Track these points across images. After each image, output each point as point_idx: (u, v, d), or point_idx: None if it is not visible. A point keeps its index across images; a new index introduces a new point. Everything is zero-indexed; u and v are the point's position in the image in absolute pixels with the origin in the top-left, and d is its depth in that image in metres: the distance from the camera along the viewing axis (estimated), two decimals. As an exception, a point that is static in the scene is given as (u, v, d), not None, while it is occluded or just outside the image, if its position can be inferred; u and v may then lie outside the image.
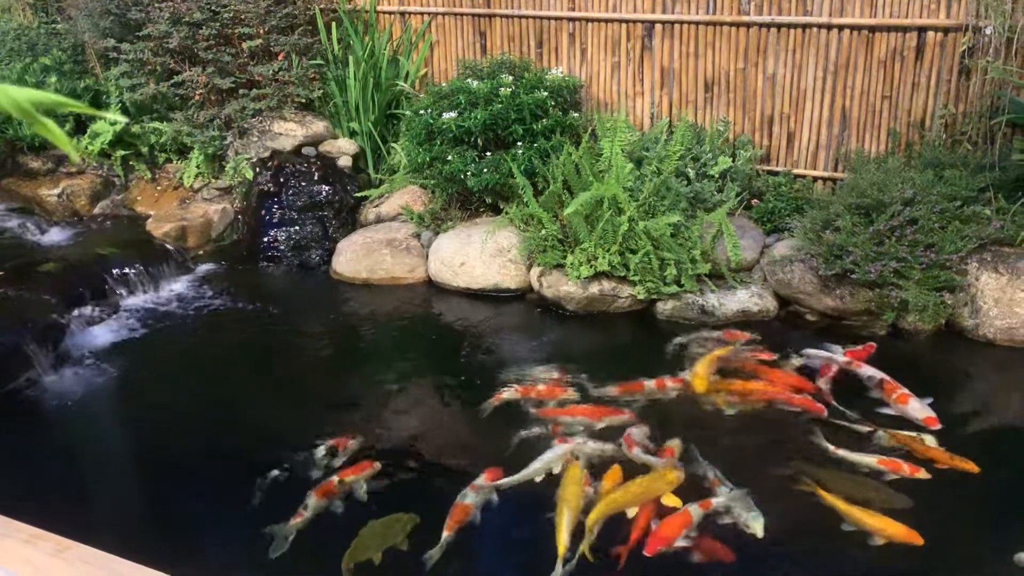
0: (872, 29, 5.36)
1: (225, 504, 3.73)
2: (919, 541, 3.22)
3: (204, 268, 6.26)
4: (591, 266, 5.20)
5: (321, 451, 3.96)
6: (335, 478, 3.74)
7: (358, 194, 6.51)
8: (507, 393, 4.38)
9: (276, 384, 4.79)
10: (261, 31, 6.69)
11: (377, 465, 3.83)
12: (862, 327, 4.93)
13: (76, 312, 5.35)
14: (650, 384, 4.39)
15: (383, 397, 4.51)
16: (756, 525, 3.31)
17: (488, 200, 5.94)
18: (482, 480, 3.68)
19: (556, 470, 3.73)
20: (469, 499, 3.55)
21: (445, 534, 3.36)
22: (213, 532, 3.60)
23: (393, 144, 6.63)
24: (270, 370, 4.96)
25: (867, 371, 4.38)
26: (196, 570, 3.28)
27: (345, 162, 6.67)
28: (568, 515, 3.38)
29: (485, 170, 5.62)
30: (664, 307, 5.21)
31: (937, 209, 4.72)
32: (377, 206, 6.43)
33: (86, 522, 3.49)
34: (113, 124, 6.91)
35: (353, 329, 5.44)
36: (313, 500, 3.61)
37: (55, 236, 6.56)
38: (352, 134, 6.86)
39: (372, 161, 6.82)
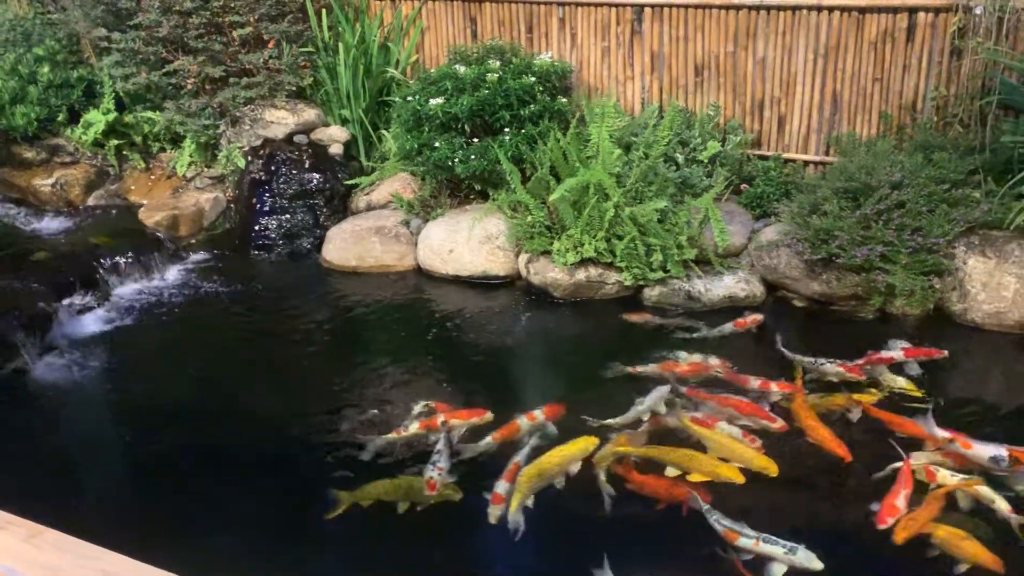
0: (862, 10, 5.29)
1: (216, 491, 3.74)
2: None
3: (195, 257, 6.27)
4: (577, 252, 5.18)
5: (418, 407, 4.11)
6: (441, 417, 3.91)
7: (348, 182, 6.50)
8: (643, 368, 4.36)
9: (265, 372, 4.80)
10: (251, 19, 6.67)
11: (488, 416, 3.95)
12: (850, 312, 4.89)
13: (66, 301, 5.37)
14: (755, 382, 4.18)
15: (370, 383, 4.51)
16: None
17: (477, 187, 5.92)
18: (540, 413, 3.92)
19: (662, 411, 3.98)
20: (520, 422, 3.87)
21: (489, 439, 3.80)
22: (200, 519, 3.60)
23: (384, 131, 6.61)
24: (259, 358, 4.97)
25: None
26: (180, 558, 3.30)
27: (336, 150, 6.66)
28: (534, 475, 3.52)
29: (472, 157, 5.60)
30: (651, 293, 5.19)
31: (925, 192, 4.67)
32: (368, 194, 6.42)
33: (65, 509, 3.51)
34: (106, 114, 6.92)
35: (341, 316, 5.44)
36: (415, 426, 3.90)
37: (48, 226, 6.59)
38: (343, 122, 6.84)
39: (363, 149, 6.81)
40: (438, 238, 5.70)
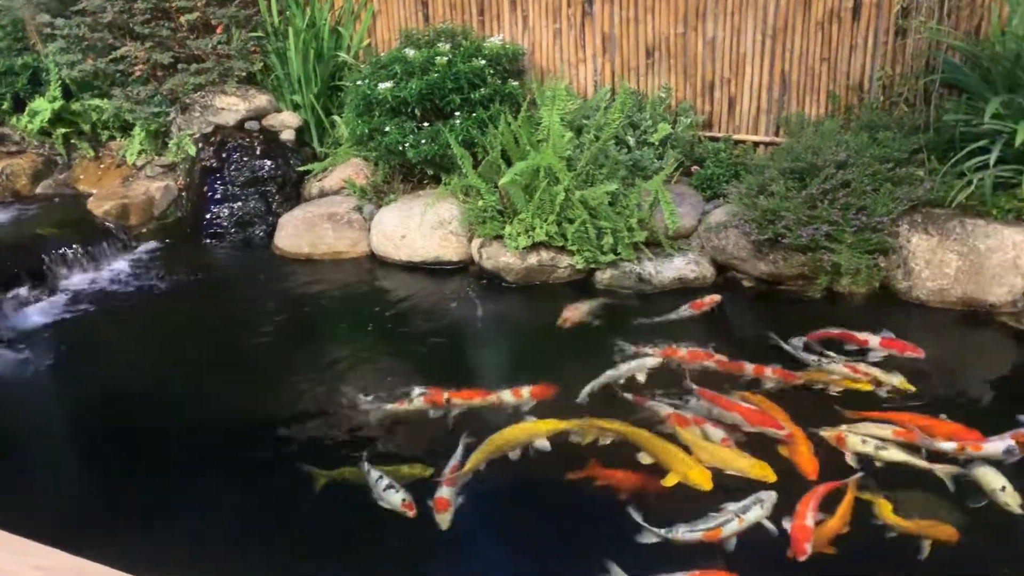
0: (809, -10, 5.31)
1: (161, 482, 3.69)
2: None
3: (146, 246, 6.19)
4: (529, 236, 5.17)
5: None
6: (446, 394, 3.93)
7: (301, 168, 6.44)
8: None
9: (216, 361, 4.74)
10: (198, 3, 6.56)
11: (493, 398, 3.92)
12: (798, 291, 4.93)
13: (10, 294, 5.28)
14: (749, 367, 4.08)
15: (320, 369, 4.48)
16: None
17: (430, 172, 5.89)
18: (527, 391, 3.93)
19: (641, 378, 4.02)
20: (503, 394, 3.91)
21: (458, 400, 3.90)
22: (146, 511, 3.57)
23: (337, 117, 6.55)
24: (210, 347, 4.91)
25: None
26: (118, 551, 3.27)
27: (288, 136, 6.59)
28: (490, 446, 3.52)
29: (423, 141, 5.56)
30: (602, 276, 5.20)
31: (869, 172, 4.71)
32: (320, 180, 6.37)
33: (2, 503, 3.46)
34: (52, 102, 6.78)
35: (293, 304, 5.39)
36: (419, 401, 3.92)
37: (-7, 217, 6.47)
38: (296, 107, 6.77)
39: (316, 134, 6.74)
40: (391, 224, 5.67)
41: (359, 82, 5.81)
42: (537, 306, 5.15)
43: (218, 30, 6.66)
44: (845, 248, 4.65)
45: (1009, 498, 3.11)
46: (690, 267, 5.13)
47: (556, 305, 5.13)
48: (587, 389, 3.98)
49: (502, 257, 5.25)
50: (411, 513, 3.22)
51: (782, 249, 4.83)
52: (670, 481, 3.29)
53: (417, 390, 4.00)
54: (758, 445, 3.52)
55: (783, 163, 4.97)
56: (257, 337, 4.96)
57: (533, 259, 5.22)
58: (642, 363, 4.16)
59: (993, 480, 3.20)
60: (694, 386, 3.91)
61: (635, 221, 5.16)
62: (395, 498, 3.28)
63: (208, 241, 6.22)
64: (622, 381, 4.05)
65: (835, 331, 4.30)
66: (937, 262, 4.56)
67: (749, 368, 4.07)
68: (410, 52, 5.67)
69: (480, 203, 5.29)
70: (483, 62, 5.62)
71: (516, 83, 5.80)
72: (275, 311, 5.29)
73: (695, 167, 5.66)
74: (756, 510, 3.09)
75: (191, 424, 4.05)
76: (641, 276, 5.12)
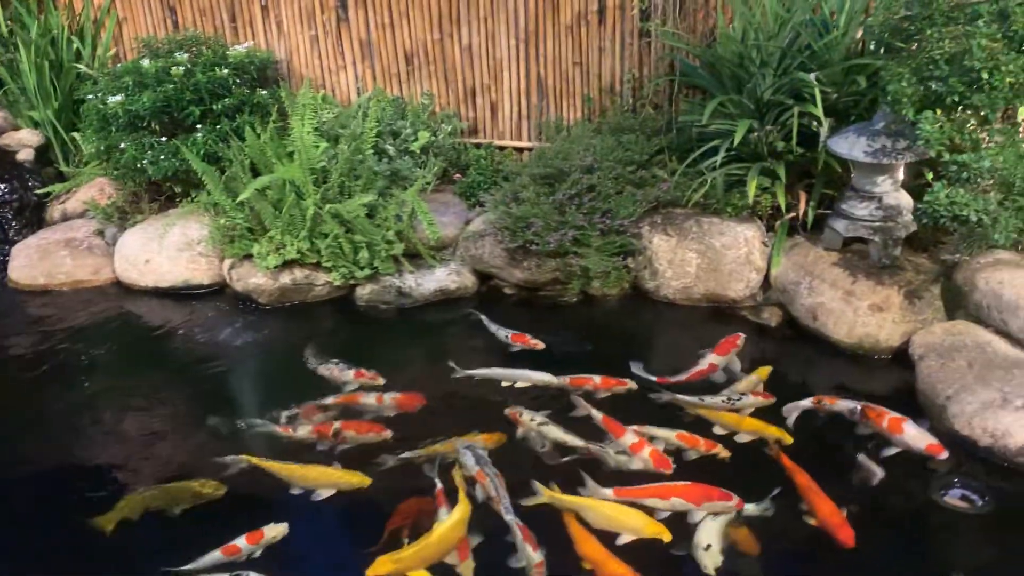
0: (556, -6, 5.30)
1: None
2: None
3: None
4: (280, 255, 4.90)
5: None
6: (337, 424, 3.75)
7: (40, 191, 5.87)
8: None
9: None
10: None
11: (386, 434, 3.72)
12: (556, 296, 4.91)
13: None
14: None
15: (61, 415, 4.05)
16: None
17: (178, 190, 5.49)
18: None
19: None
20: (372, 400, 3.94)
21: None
22: None
23: (77, 134, 6.01)
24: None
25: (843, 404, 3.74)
26: None
27: (26, 155, 6.00)
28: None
29: (163, 157, 5.17)
30: (363, 291, 5.00)
31: (613, 175, 4.74)
32: (63, 203, 5.83)
33: None
34: None
35: (25, 343, 4.86)
36: (305, 429, 3.77)
37: None
38: (36, 124, 6.17)
39: (62, 154, 6.17)
40: (133, 248, 5.24)
41: (89, 96, 5.34)
42: (292, 327, 4.88)
43: (-64, 41, 5.98)
44: (593, 252, 4.65)
45: (708, 560, 2.96)
46: (451, 278, 5.01)
47: (312, 325, 4.91)
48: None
49: (252, 278, 4.95)
50: None
51: (535, 255, 4.79)
52: None
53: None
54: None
55: (534, 169, 4.94)
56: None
57: (286, 278, 4.94)
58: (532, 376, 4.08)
59: (704, 537, 3.06)
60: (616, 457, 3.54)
61: (392, 233, 4.98)
62: None
63: (-69, 276, 5.55)
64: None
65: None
66: (679, 261, 4.64)
67: None
68: (145, 63, 5.26)
69: (223, 221, 4.96)
70: (227, 71, 5.28)
71: (264, 92, 5.48)
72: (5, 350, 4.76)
73: (458, 175, 5.55)
74: None
75: None
76: (401, 290, 4.95)
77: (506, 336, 4.44)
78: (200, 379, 4.40)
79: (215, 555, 3.07)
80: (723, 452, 3.49)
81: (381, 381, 4.14)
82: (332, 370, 4.25)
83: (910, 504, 3.28)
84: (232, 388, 4.43)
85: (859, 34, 4.45)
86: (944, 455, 3.35)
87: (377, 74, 5.86)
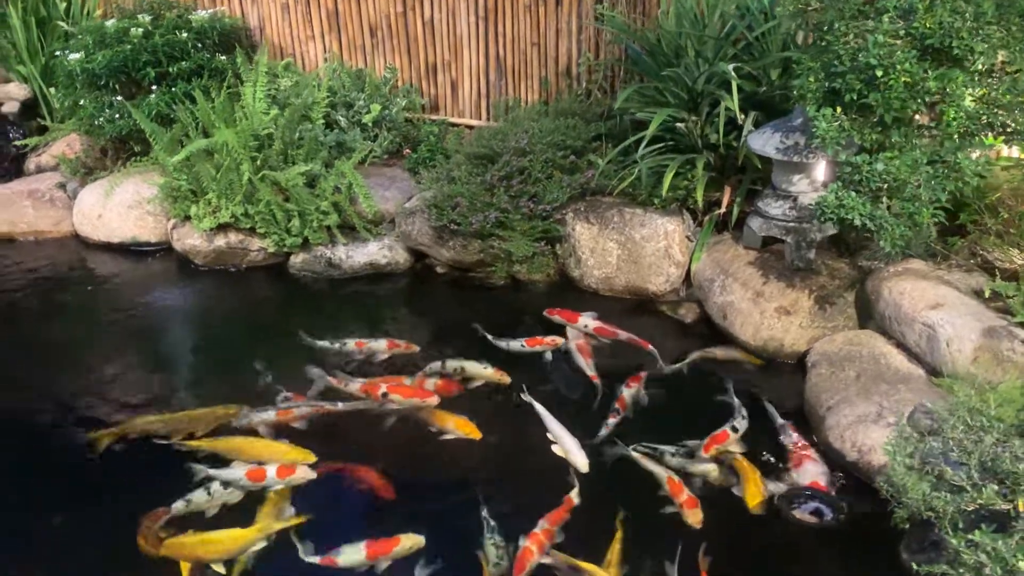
0: (516, -28, 5.22)
1: None
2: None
3: None
4: (215, 217, 4.98)
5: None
6: (384, 387, 3.75)
7: (19, 143, 6.09)
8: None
9: None
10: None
11: (433, 400, 3.69)
12: (484, 278, 4.86)
13: None
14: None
15: None
16: None
17: (137, 149, 5.62)
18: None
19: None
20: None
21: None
22: None
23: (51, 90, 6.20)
24: None
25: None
26: None
27: (11, 108, 6.22)
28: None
29: (118, 116, 5.30)
30: (296, 260, 5.05)
31: (543, 158, 4.65)
32: (39, 156, 6.04)
33: None
34: None
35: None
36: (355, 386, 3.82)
37: None
38: (26, 80, 6.39)
39: (47, 109, 6.38)
40: (88, 203, 5.40)
41: (57, 52, 5.50)
42: (223, 290, 4.97)
43: (-68, -7, 6.24)
44: (517, 235, 4.59)
45: None
46: (383, 252, 5.02)
47: (240, 290, 4.99)
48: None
49: (189, 239, 5.05)
50: None
51: (461, 236, 4.74)
52: None
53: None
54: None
55: (470, 148, 4.89)
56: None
57: (221, 241, 5.03)
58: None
59: None
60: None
61: (327, 203, 5.00)
62: None
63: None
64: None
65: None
66: (600, 251, 4.54)
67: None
68: (109, 23, 5.39)
69: (164, 181, 5.06)
70: (187, 35, 5.37)
71: (224, 58, 5.56)
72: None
73: (407, 150, 5.53)
74: None
75: None
76: (331, 261, 4.99)
77: (521, 344, 4.18)
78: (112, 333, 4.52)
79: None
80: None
81: (416, 348, 4.17)
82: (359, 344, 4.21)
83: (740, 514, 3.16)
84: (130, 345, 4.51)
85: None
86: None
87: (344, 46, 5.88)
